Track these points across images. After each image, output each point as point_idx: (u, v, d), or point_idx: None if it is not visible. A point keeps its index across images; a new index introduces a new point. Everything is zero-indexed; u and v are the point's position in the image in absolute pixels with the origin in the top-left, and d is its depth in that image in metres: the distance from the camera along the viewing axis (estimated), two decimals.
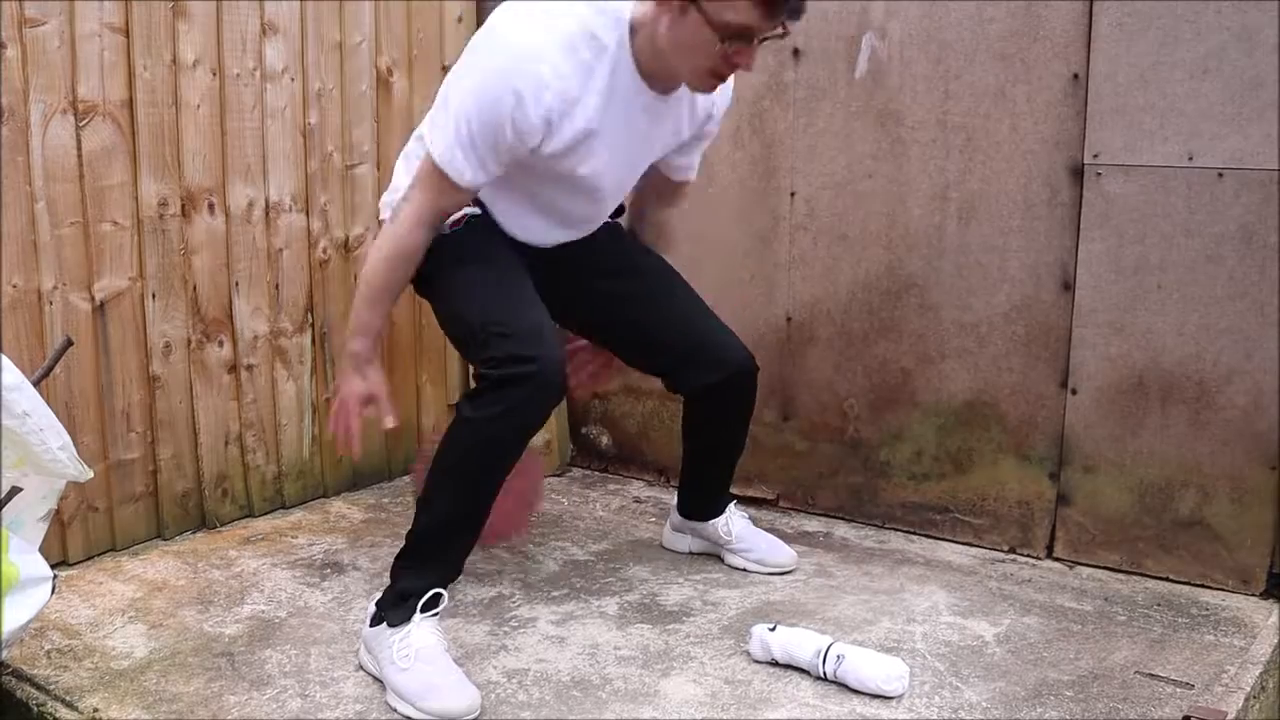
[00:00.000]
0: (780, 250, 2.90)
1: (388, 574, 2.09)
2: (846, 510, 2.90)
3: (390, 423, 2.15)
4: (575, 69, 1.95)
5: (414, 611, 1.98)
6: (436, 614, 2.01)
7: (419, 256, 2.09)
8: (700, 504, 2.59)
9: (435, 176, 2.01)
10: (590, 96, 1.98)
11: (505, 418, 1.96)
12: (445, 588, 2.02)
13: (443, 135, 1.97)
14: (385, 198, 2.29)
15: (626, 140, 2.11)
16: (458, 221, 2.13)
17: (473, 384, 2.05)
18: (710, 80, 1.99)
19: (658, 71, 2.02)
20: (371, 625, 2.03)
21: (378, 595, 2.07)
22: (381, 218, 2.26)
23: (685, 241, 2.85)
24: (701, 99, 2.18)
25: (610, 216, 2.40)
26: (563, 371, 2.01)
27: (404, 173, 2.21)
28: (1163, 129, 2.38)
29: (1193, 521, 2.45)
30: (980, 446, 2.69)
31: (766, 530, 2.62)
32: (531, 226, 2.23)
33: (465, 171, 1.98)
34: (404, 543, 2.07)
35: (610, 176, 2.15)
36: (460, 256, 2.13)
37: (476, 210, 2.16)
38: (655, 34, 1.95)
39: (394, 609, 2.00)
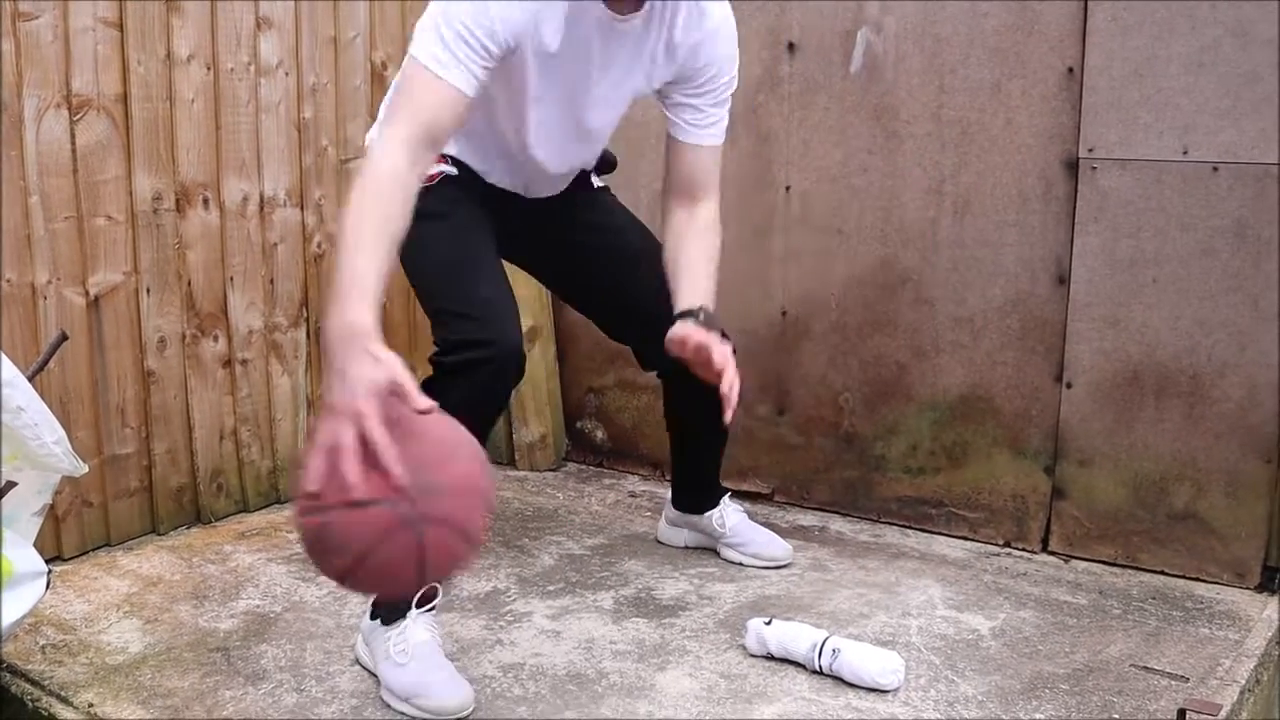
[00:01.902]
0: (775, 245, 2.90)
1: None
2: (842, 504, 2.90)
3: (426, 405, 1.53)
4: None
5: (408, 609, 1.98)
6: (432, 609, 2.01)
7: (410, 183, 1.75)
8: (692, 496, 2.59)
9: (420, 78, 1.80)
10: (553, 23, 1.88)
11: (465, 405, 1.78)
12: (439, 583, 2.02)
13: (424, 36, 1.81)
14: (372, 133, 2.16)
15: (585, 67, 1.98)
16: (432, 178, 2.06)
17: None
18: None
19: None
20: (371, 618, 2.02)
21: None
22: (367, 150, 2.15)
23: None
24: (662, 41, 2.04)
25: (596, 173, 2.35)
26: (520, 351, 1.92)
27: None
28: (1158, 123, 2.38)
29: (1187, 515, 2.45)
30: (975, 440, 2.70)
31: (762, 524, 2.61)
32: (500, 171, 2.15)
33: (451, 67, 1.79)
34: None
35: (569, 107, 2.03)
36: (428, 215, 1.98)
37: (454, 170, 2.11)
38: None
39: (387, 606, 2.00)
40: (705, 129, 2.17)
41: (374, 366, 1.49)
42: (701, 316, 2.04)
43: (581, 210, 2.31)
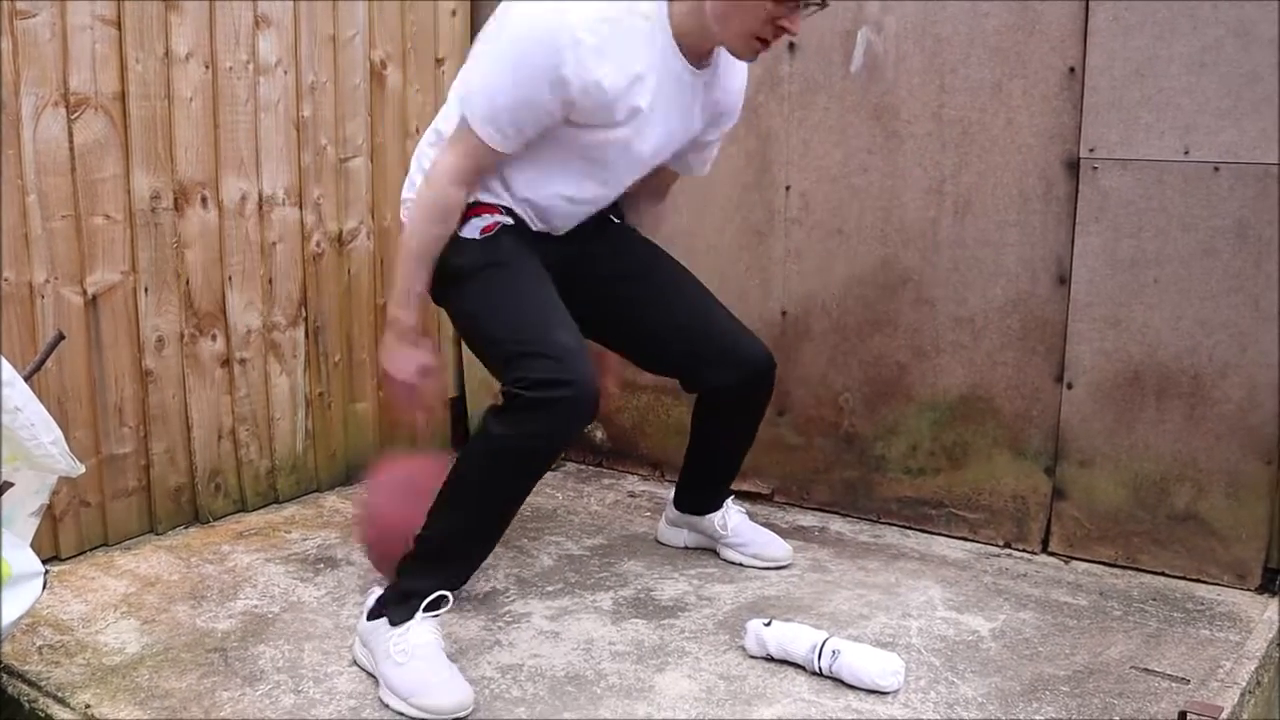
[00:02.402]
0: (775, 244, 2.89)
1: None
2: (842, 505, 2.90)
3: (449, 392, 2.12)
4: (620, 41, 1.96)
5: (416, 610, 1.97)
6: (438, 615, 2.00)
7: (457, 214, 2.10)
8: (701, 499, 2.58)
9: (471, 139, 2.02)
10: (637, 68, 1.99)
11: (538, 438, 1.94)
12: (452, 591, 2.01)
13: (480, 99, 2.00)
14: (406, 193, 2.24)
15: (666, 116, 2.11)
16: (490, 228, 2.12)
17: (499, 399, 2.00)
18: (755, 45, 2.02)
19: (694, 42, 2.05)
20: (369, 619, 2.02)
21: (375, 591, 2.06)
22: (403, 218, 2.23)
23: (680, 236, 2.85)
24: (718, 89, 2.20)
25: (614, 216, 2.39)
26: (598, 393, 1.97)
27: (418, 171, 2.20)
28: (1159, 123, 2.37)
29: (1188, 516, 2.45)
30: (975, 441, 2.69)
31: (762, 525, 2.61)
32: (552, 207, 2.20)
33: (499, 137, 2.00)
34: (414, 544, 2.04)
35: (648, 148, 2.15)
36: (490, 264, 2.11)
37: (509, 220, 2.15)
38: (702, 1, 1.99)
39: (396, 607, 1.98)
40: (706, 165, 2.44)
41: (412, 353, 2.17)
42: None
43: (611, 256, 2.35)
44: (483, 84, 1.99)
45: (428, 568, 2.02)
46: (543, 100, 1.95)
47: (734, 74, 2.24)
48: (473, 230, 2.12)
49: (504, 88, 1.96)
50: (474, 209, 2.13)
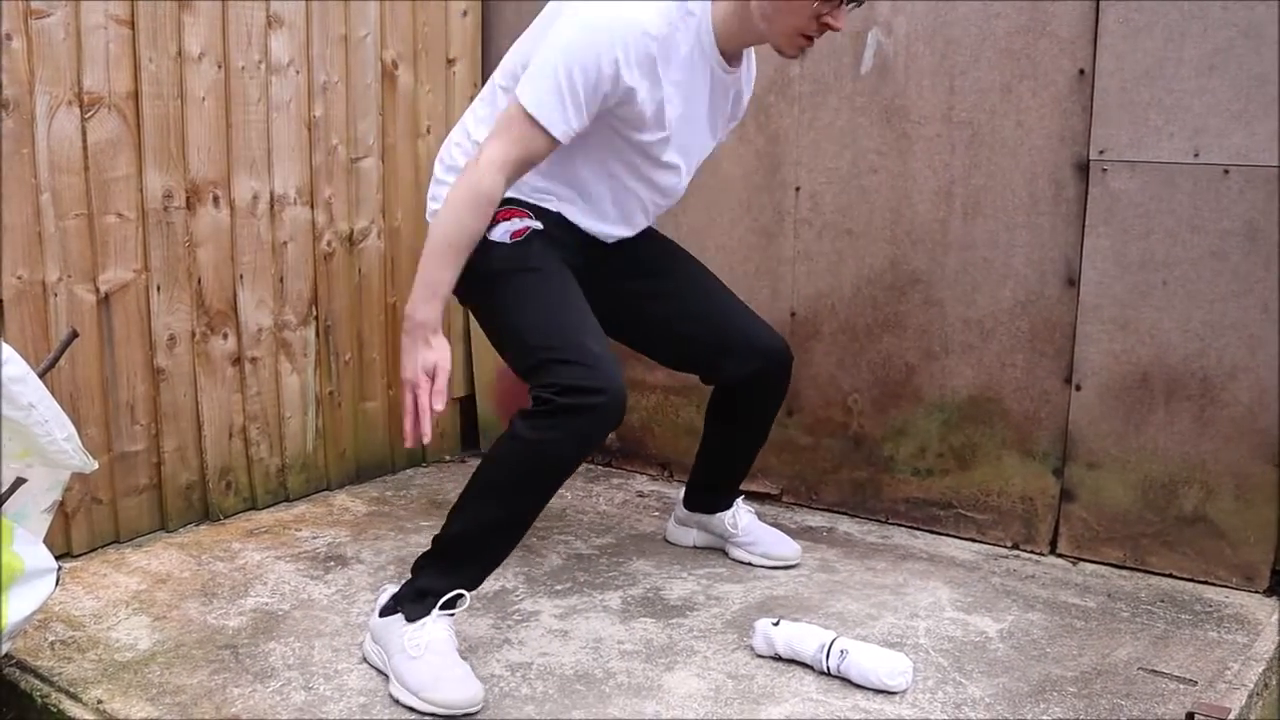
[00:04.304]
0: (785, 245, 2.90)
1: (391, 567, 2.09)
2: (850, 505, 2.90)
3: (440, 406, 1.98)
4: (669, 31, 2.01)
5: (432, 608, 1.97)
6: (453, 614, 2.00)
7: (494, 205, 2.01)
8: (712, 498, 2.59)
9: (523, 124, 1.97)
10: (676, 61, 2.04)
11: (566, 443, 1.95)
12: (469, 590, 2.02)
13: (536, 84, 1.96)
14: (433, 199, 2.22)
15: (700, 111, 2.16)
16: (520, 233, 2.11)
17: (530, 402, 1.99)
18: (800, 42, 2.07)
19: (734, 42, 2.11)
20: (381, 616, 2.02)
21: (388, 588, 2.07)
22: (428, 217, 2.21)
23: (690, 236, 2.85)
24: (742, 84, 2.27)
25: None
26: (625, 400, 1.99)
27: (447, 171, 2.20)
28: (1168, 125, 2.37)
29: (1196, 518, 2.45)
30: (984, 442, 2.69)
31: (770, 525, 2.61)
32: (604, 213, 2.22)
33: (556, 119, 1.95)
34: (432, 544, 2.04)
35: (683, 146, 2.17)
36: (521, 269, 2.10)
37: (539, 225, 2.13)
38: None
39: (412, 604, 1.99)
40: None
41: (428, 351, 1.99)
42: None
43: (632, 254, 2.34)
44: (542, 68, 1.96)
45: (446, 567, 2.02)
46: (602, 86, 1.96)
47: (751, 67, 2.30)
48: (503, 234, 2.10)
49: (566, 70, 1.94)
50: (504, 211, 2.10)
